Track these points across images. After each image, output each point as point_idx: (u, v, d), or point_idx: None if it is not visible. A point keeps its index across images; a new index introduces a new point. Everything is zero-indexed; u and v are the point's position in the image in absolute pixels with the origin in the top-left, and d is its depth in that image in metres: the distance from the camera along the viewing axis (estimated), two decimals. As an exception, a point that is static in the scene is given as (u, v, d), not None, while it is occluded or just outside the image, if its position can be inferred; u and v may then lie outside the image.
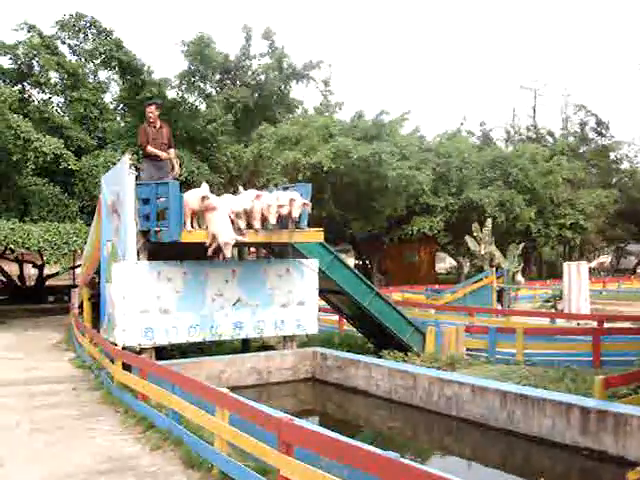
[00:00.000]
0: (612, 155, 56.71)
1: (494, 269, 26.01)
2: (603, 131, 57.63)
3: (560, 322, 18.83)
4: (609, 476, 7.07)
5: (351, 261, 52.18)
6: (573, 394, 9.18)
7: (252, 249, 15.87)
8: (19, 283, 34.38)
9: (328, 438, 5.75)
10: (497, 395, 8.89)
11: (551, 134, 59.00)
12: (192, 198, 11.65)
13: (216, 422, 7.30)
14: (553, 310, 23.15)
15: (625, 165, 57.56)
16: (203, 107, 31.48)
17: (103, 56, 26.91)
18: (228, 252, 11.45)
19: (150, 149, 13.12)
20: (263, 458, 6.35)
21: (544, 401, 8.29)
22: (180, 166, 14.73)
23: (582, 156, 53.77)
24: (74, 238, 21.78)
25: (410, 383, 10.25)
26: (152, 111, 13.60)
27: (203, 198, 11.38)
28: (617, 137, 57.28)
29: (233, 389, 7.96)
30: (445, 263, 64.50)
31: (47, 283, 34.74)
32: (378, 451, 5.22)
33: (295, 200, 11.67)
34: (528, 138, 57.99)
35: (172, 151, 13.63)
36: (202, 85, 32.48)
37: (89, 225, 19.21)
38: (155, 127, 13.46)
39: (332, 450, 5.56)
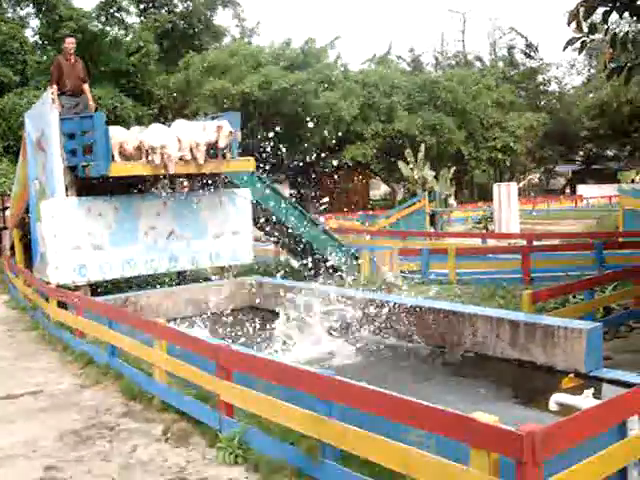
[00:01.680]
0: (540, 77, 57.39)
1: (426, 193, 26.36)
2: (532, 53, 58.15)
3: (492, 242, 19.24)
4: (540, 384, 7.34)
5: (287, 191, 52.15)
6: (503, 309, 9.48)
7: (185, 182, 15.71)
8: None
9: (264, 361, 5.86)
10: (430, 313, 9.10)
11: (479, 59, 59.32)
12: (120, 134, 11.43)
13: (154, 353, 7.34)
14: (484, 231, 23.66)
15: (553, 87, 58.42)
16: (128, 39, 30.58)
17: None
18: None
19: (53, 90, 12.60)
20: (203, 385, 6.44)
21: (475, 316, 8.52)
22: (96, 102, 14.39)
23: (511, 80, 54.25)
24: (2, 178, 21.27)
25: (346, 305, 10.40)
26: (71, 42, 13.16)
27: (139, 145, 11.23)
28: (545, 60, 57.92)
29: (171, 321, 8.00)
30: (380, 190, 64.91)
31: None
32: (309, 369, 5.34)
33: (222, 128, 11.55)
34: (457, 63, 58.15)
35: (86, 86, 13.27)
36: (123, 15, 31.34)
37: (16, 165, 18.74)
38: (70, 62, 13.05)
39: (268, 372, 5.67)
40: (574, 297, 10.30)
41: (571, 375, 6.69)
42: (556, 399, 5.40)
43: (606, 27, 10.07)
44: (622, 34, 9.81)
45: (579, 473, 3.96)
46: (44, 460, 6.01)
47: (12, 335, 11.68)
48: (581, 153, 61.84)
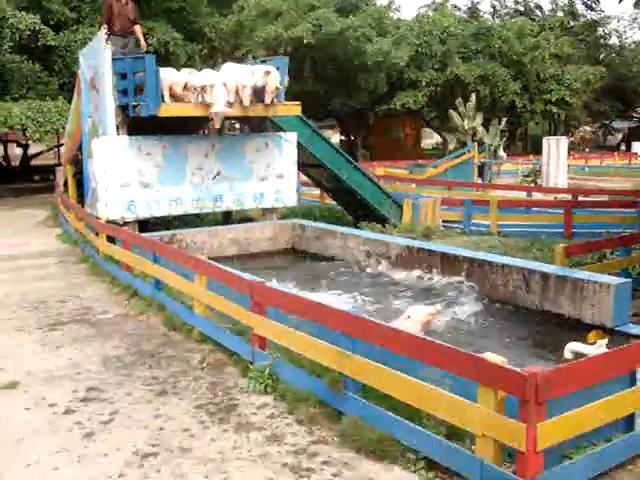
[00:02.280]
0: (601, 30, 55.91)
1: (476, 144, 26.20)
2: (593, 5, 56.63)
3: (538, 196, 19.17)
4: (568, 335, 7.50)
5: (337, 137, 52.14)
6: (538, 262, 9.61)
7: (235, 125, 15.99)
8: (4, 163, 34.34)
9: (294, 297, 6.17)
10: (465, 262, 9.29)
11: (539, 7, 57.93)
12: (171, 76, 11.69)
13: (195, 287, 7.70)
14: (533, 185, 23.51)
15: (614, 40, 56.88)
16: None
17: None
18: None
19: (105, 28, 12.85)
20: (238, 318, 6.78)
21: (508, 267, 8.69)
22: (146, 41, 14.57)
23: (570, 31, 52.97)
24: (57, 116, 21.72)
25: (383, 250, 10.65)
26: None
27: (185, 85, 11.49)
28: (607, 12, 56.32)
29: (215, 259, 8.33)
30: (432, 139, 64.36)
31: (32, 162, 34.75)
32: (335, 307, 5.62)
33: (270, 73, 11.72)
34: (516, 12, 56.90)
35: (138, 27, 13.49)
36: None
37: (70, 102, 19.17)
38: (121, 2, 13.26)
39: (299, 308, 5.98)
40: (612, 254, 10.34)
41: (598, 330, 6.84)
42: (571, 347, 5.61)
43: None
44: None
45: (584, 414, 4.18)
46: (87, 382, 6.43)
47: (63, 267, 12.20)
48: (639, 110, 60.35)
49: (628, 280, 7.76)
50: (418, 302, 8.29)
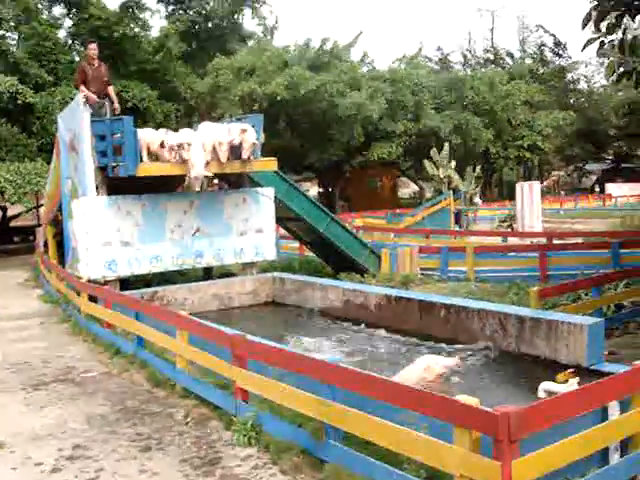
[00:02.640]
0: (569, 76, 57.20)
1: (451, 192, 26.60)
2: (561, 52, 57.99)
3: (514, 241, 19.42)
4: (543, 376, 7.65)
5: (315, 189, 52.57)
6: (515, 305, 9.80)
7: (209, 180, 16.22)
8: (-17, 225, 34.28)
9: (276, 350, 6.30)
10: (442, 308, 9.48)
11: (510, 55, 59.22)
12: (149, 136, 11.95)
13: (177, 343, 7.82)
14: (509, 230, 23.84)
15: (582, 85, 58.16)
16: (151, 39, 30.98)
17: None
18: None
19: (83, 90, 13.14)
20: (221, 372, 6.90)
21: (484, 311, 8.88)
22: (120, 100, 14.91)
23: (540, 78, 54.14)
24: (36, 178, 21.90)
25: (362, 301, 10.82)
26: (94, 48, 13.68)
27: (162, 143, 11.74)
28: (574, 57, 57.69)
29: (196, 315, 8.47)
30: (409, 188, 64.97)
31: (11, 224, 34.73)
32: (314, 357, 5.77)
33: (246, 131, 12.01)
34: (486, 60, 58.16)
35: (111, 88, 13.82)
36: (147, 15, 31.56)
37: (49, 163, 19.38)
38: (94, 65, 13.59)
39: (281, 360, 6.11)
40: (586, 295, 10.55)
41: (569, 370, 6.99)
42: (544, 387, 5.77)
43: (622, 29, 10.30)
44: (631, 38, 10.04)
45: (558, 450, 4.32)
46: (73, 440, 6.50)
47: (45, 327, 12.25)
48: (611, 151, 61.48)
49: (600, 320, 7.97)
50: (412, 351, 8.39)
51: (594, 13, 9.78)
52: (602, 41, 9.98)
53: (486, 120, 41.18)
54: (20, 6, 26.86)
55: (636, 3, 9.82)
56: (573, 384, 5.61)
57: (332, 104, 31.51)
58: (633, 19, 10.44)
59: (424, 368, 6.93)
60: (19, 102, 23.49)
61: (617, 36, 10.14)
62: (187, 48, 30.67)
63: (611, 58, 10.24)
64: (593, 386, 4.72)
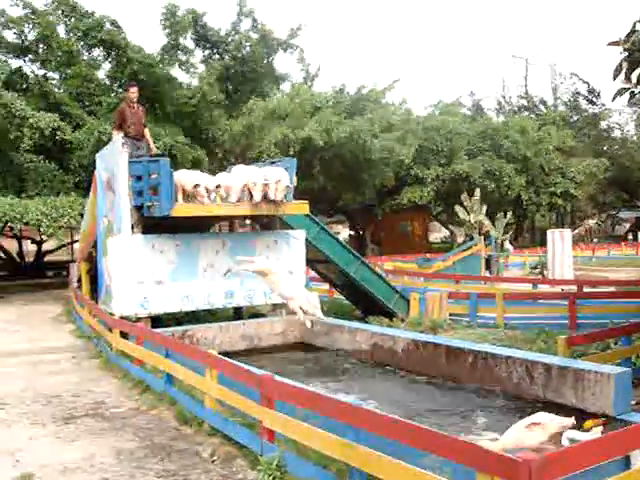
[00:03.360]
0: (603, 123, 57.16)
1: (482, 237, 26.63)
2: (594, 99, 57.99)
3: (545, 288, 19.36)
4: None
5: (346, 232, 52.80)
6: (543, 353, 9.81)
7: (240, 221, 16.49)
8: (18, 259, 34.90)
9: (303, 391, 6.40)
10: (470, 355, 9.52)
11: (544, 102, 59.37)
12: (184, 178, 12.26)
13: (205, 381, 7.94)
14: (540, 276, 23.79)
15: (616, 133, 58.03)
16: (195, 82, 31.62)
17: (87, 37, 27.70)
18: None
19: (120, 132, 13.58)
20: (248, 412, 7.00)
21: (511, 359, 8.92)
22: (155, 143, 15.32)
23: (574, 125, 54.18)
24: (69, 210, 22.35)
25: (390, 344, 10.89)
26: (135, 92, 14.07)
27: (196, 186, 12.03)
28: (608, 105, 57.63)
29: (226, 354, 8.60)
30: (441, 232, 64.94)
31: (46, 259, 35.32)
32: (339, 399, 5.86)
33: (280, 174, 12.26)
34: (520, 107, 58.36)
35: (147, 131, 14.21)
36: (186, 57, 32.16)
37: (85, 198, 19.81)
38: (133, 108, 13.97)
39: (307, 401, 6.21)
40: (615, 344, 10.52)
41: (596, 419, 6.99)
42: (568, 435, 5.79)
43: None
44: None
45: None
46: (101, 475, 6.61)
47: (77, 362, 12.43)
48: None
49: (628, 369, 7.98)
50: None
51: (625, 64, 9.88)
52: (632, 91, 10.06)
53: (519, 167, 41.25)
54: (62, 48, 27.62)
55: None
56: (597, 432, 5.63)
57: (364, 147, 31.79)
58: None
59: (532, 425, 6.43)
60: (57, 139, 24.14)
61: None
62: (221, 92, 31.17)
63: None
64: (616, 434, 4.76)
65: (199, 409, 8.11)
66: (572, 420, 6.51)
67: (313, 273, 18.45)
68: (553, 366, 8.38)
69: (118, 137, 13.03)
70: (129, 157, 12.68)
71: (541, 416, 6.59)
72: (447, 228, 50.56)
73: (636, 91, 10.12)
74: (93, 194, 15.97)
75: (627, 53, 9.83)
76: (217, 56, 34.81)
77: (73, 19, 28.14)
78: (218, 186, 12.07)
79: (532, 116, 49.74)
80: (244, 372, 7.25)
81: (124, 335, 11.45)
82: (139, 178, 12.46)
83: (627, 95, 10.08)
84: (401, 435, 5.03)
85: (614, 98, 10.36)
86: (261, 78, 35.04)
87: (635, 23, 9.43)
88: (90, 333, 14.24)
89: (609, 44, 9.76)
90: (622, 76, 9.91)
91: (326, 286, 19.30)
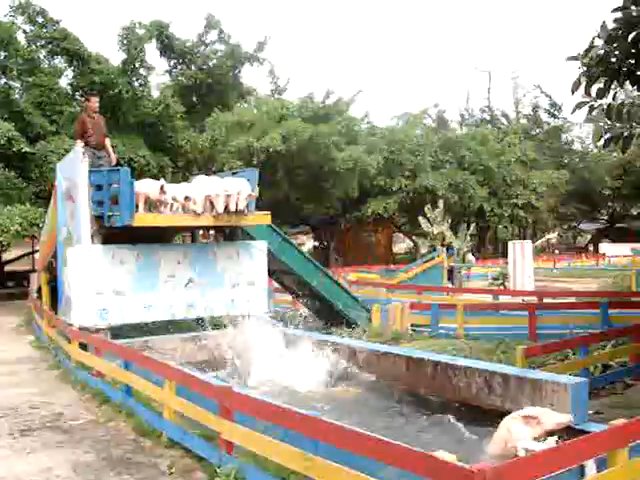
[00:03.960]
0: (564, 136, 58.01)
1: (445, 248, 26.83)
2: (556, 112, 58.85)
3: (506, 299, 19.52)
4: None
5: (311, 243, 52.83)
6: (502, 364, 9.89)
7: (204, 232, 16.42)
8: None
9: (262, 403, 6.37)
10: (429, 365, 9.56)
11: (505, 115, 60.12)
12: (146, 186, 12.18)
13: (164, 393, 7.88)
14: (502, 287, 23.99)
15: (577, 146, 58.93)
16: (156, 94, 31.44)
17: (50, 45, 27.52)
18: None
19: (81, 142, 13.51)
20: (206, 424, 6.96)
21: (470, 369, 8.97)
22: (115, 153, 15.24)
23: (535, 138, 54.91)
24: (20, 220, 22.12)
25: (350, 355, 10.89)
26: (96, 102, 14.05)
27: (161, 188, 11.97)
28: (569, 118, 58.55)
29: (186, 365, 8.55)
30: (405, 243, 65.27)
31: (6, 268, 34.81)
32: (303, 412, 5.84)
33: (241, 191, 12.26)
34: (482, 120, 59.00)
35: (107, 140, 14.13)
36: (146, 71, 31.93)
37: (44, 210, 19.58)
38: (93, 118, 13.90)
39: (266, 413, 6.19)
40: (574, 354, 10.64)
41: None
42: (522, 445, 5.85)
43: (613, 94, 10.53)
44: (617, 104, 10.26)
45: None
46: (57, 488, 6.53)
47: (35, 373, 12.28)
48: (605, 212, 62.07)
49: (584, 379, 8.05)
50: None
51: (583, 78, 10.02)
52: (591, 105, 10.20)
53: (481, 178, 41.69)
54: (23, 56, 27.40)
55: (624, 70, 10.07)
56: (551, 442, 5.69)
57: (329, 157, 31.92)
58: (621, 86, 10.68)
59: (529, 418, 6.50)
60: (14, 149, 23.96)
61: (606, 101, 10.35)
62: (187, 102, 31.12)
63: (600, 123, 10.42)
64: (570, 444, 4.81)
65: (158, 421, 8.04)
66: (570, 417, 6.48)
67: (276, 284, 18.40)
68: (511, 376, 8.43)
69: (78, 147, 12.91)
70: (90, 167, 12.57)
71: (540, 412, 6.68)
72: (411, 239, 50.84)
73: (595, 105, 10.28)
74: (53, 204, 15.79)
75: (585, 68, 9.99)
76: (183, 66, 34.72)
77: (35, 26, 27.95)
78: (187, 198, 12.02)
79: (494, 129, 50.24)
80: (203, 383, 7.20)
81: (83, 346, 11.32)
82: (99, 188, 12.34)
83: (586, 109, 10.23)
84: (358, 446, 5.04)
85: (573, 111, 10.50)
86: (228, 90, 35.05)
87: (593, 39, 9.57)
88: (49, 344, 14.06)
89: (568, 59, 9.89)
90: (582, 90, 10.05)
91: (289, 297, 19.27)
